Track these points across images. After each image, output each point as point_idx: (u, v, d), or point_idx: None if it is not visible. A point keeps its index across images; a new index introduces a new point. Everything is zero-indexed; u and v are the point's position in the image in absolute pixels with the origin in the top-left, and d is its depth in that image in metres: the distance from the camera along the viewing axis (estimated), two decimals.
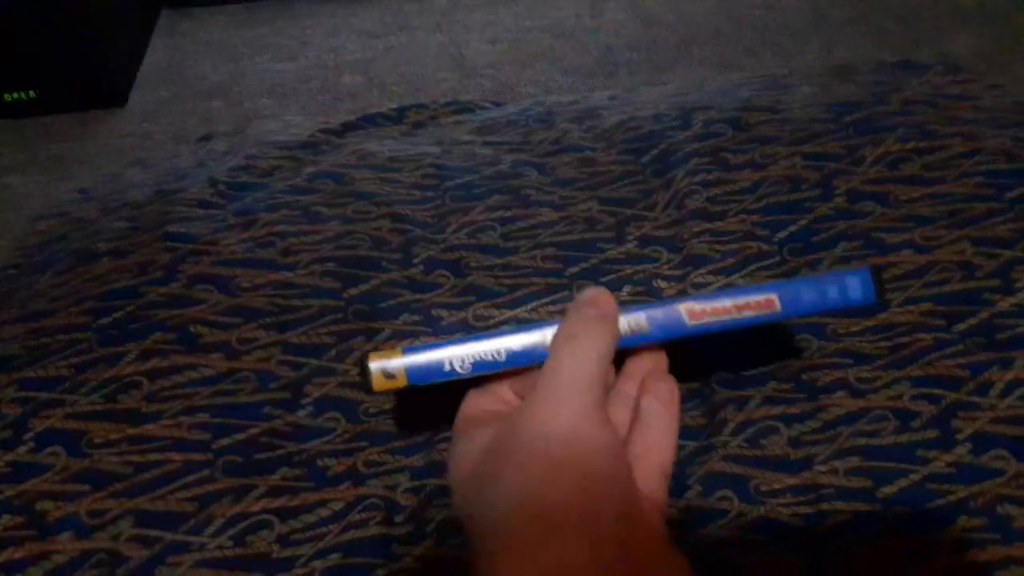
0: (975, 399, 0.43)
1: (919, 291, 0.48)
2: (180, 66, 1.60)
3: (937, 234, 0.51)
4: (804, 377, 0.45)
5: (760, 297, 0.31)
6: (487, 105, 0.73)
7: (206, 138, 0.76)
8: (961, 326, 0.46)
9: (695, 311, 0.31)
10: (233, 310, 0.52)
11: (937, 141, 0.57)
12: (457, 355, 0.31)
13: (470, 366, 0.31)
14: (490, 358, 0.31)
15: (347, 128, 0.70)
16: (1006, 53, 1.29)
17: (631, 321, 0.31)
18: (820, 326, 0.47)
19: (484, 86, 1.47)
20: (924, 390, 0.43)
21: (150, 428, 0.47)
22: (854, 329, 0.47)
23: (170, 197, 0.62)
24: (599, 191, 0.57)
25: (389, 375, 0.31)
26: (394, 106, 0.73)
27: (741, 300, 0.31)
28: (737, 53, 1.47)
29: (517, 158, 0.62)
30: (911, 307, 0.47)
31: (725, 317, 0.31)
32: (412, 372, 0.31)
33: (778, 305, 0.31)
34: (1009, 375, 0.43)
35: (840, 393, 0.43)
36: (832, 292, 0.32)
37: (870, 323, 0.47)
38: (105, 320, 0.52)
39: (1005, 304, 0.46)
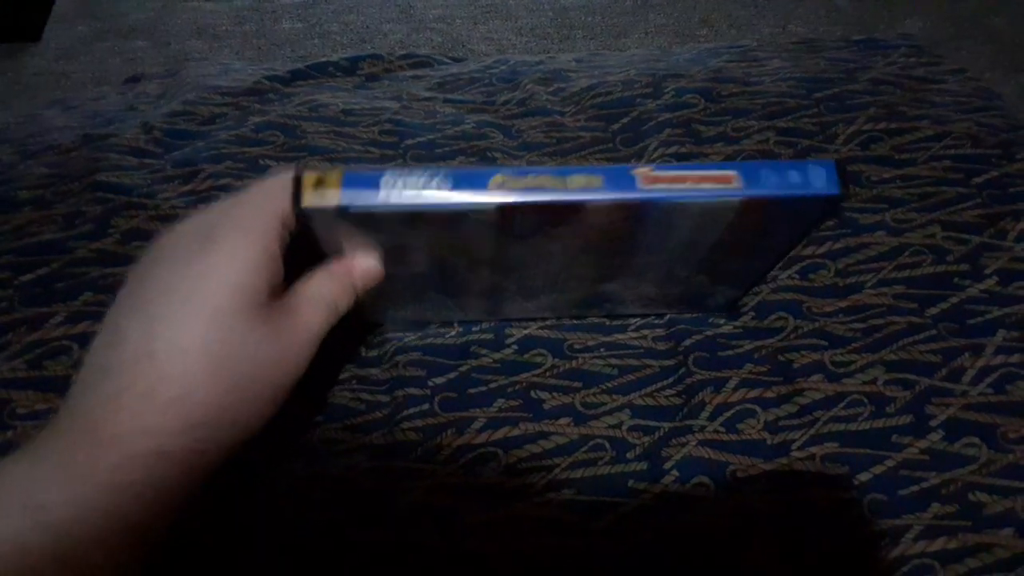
0: (948, 385, 0.42)
1: (891, 273, 0.47)
2: (100, 0, 1.48)
3: (908, 217, 0.50)
4: (780, 358, 0.44)
5: (719, 172, 0.30)
6: (446, 60, 0.69)
7: (134, 79, 0.70)
8: (933, 310, 0.46)
9: (649, 176, 0.29)
10: None
11: (906, 123, 0.57)
12: (399, 175, 0.28)
13: (410, 189, 0.28)
14: (434, 183, 0.28)
15: (295, 76, 0.65)
16: (955, 36, 1.32)
17: (587, 177, 0.29)
18: (796, 304, 0.46)
19: (434, 40, 1.42)
20: (898, 375, 0.43)
21: None
22: (828, 309, 0.46)
23: (99, 143, 0.57)
24: (568, 158, 0.55)
25: (321, 182, 0.28)
26: (346, 55, 0.69)
27: (699, 173, 0.30)
28: (693, 23, 1.46)
29: (481, 118, 0.59)
30: (884, 289, 0.47)
31: (680, 187, 0.30)
32: (348, 180, 0.28)
33: (737, 183, 0.30)
34: (980, 362, 0.43)
35: (816, 377, 0.43)
36: (794, 177, 0.30)
37: (843, 304, 0.46)
38: (28, 277, 0.47)
39: (975, 290, 0.46)
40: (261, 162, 0.55)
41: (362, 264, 0.33)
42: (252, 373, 0.28)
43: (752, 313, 0.46)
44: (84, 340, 0.44)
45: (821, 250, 0.49)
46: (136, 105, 0.64)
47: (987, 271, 0.47)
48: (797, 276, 0.48)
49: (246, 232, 0.29)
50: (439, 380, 0.43)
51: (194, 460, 0.28)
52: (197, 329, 0.27)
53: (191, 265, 0.28)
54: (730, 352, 0.44)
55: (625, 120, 0.58)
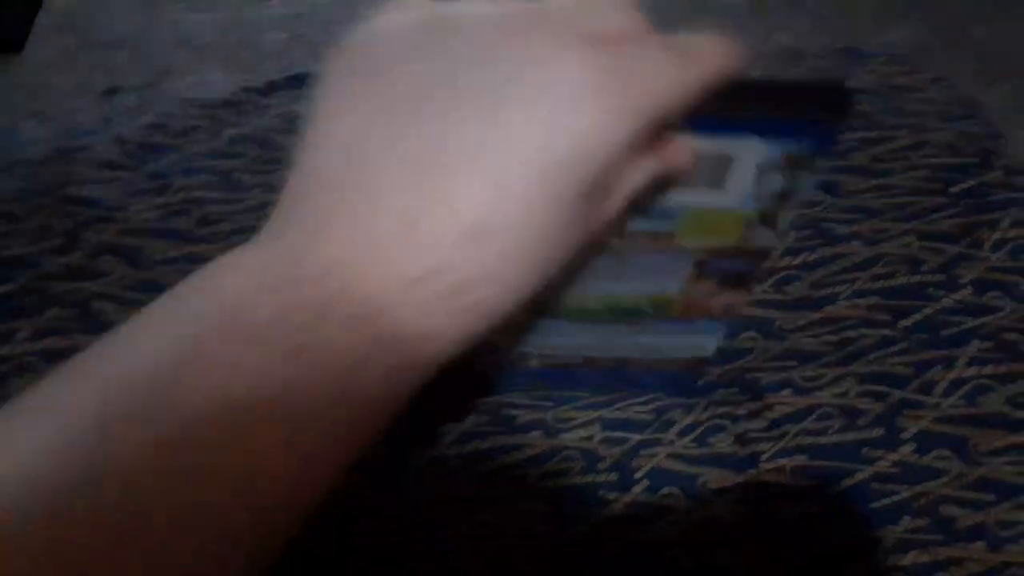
0: (920, 397, 0.42)
1: (866, 284, 0.47)
2: (85, 13, 1.48)
3: (884, 227, 0.50)
4: (747, 377, 0.43)
5: None
6: None
7: (112, 91, 0.69)
8: (906, 322, 0.45)
9: None
10: (142, 285, 0.48)
11: (885, 132, 0.57)
12: None
13: None
14: None
15: (273, 88, 0.65)
16: (939, 45, 1.32)
17: None
18: (768, 321, 0.46)
19: None
20: (869, 387, 0.43)
21: None
22: (801, 323, 0.46)
23: (71, 156, 0.56)
24: None
25: None
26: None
27: None
28: (677, 26, 1.46)
29: None
30: (858, 300, 0.46)
31: None
32: None
33: None
34: (952, 374, 0.43)
35: (785, 391, 0.42)
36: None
37: (817, 316, 0.46)
38: None
39: (949, 301, 0.46)
40: (234, 176, 0.55)
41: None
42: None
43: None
44: (49, 357, 0.44)
45: (796, 261, 0.48)
46: (112, 117, 0.64)
47: (962, 281, 0.47)
48: (772, 288, 0.47)
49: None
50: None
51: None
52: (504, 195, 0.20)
53: (495, 115, 0.20)
54: (699, 381, 0.43)
55: None
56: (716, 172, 0.27)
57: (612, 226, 0.24)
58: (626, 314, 0.35)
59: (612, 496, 0.39)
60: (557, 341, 0.38)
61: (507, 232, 0.20)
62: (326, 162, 0.22)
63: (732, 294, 0.34)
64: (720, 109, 0.24)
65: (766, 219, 0.30)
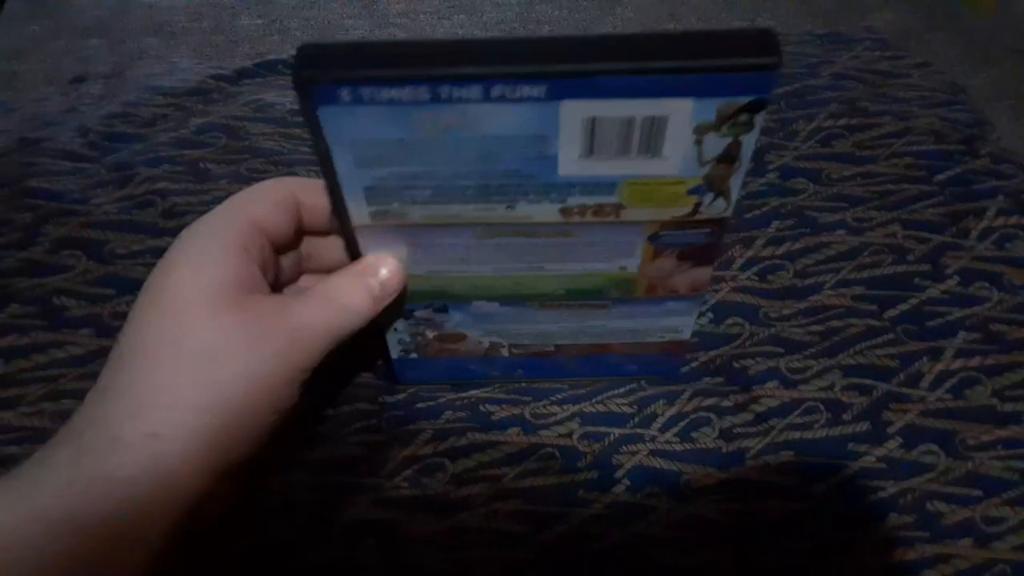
0: (906, 390, 0.41)
1: (851, 274, 0.46)
2: None
3: (869, 215, 0.49)
4: (735, 364, 0.42)
5: None
6: None
7: (79, 80, 0.67)
8: (892, 312, 0.44)
9: None
10: (106, 280, 0.46)
11: (868, 119, 0.56)
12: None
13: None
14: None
15: (242, 75, 0.63)
16: (926, 28, 1.31)
17: None
18: (753, 308, 0.45)
19: (397, 36, 1.40)
20: (855, 380, 0.42)
21: (5, 416, 0.40)
22: (786, 312, 0.45)
23: (33, 147, 0.54)
24: None
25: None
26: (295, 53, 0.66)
27: None
28: (661, 17, 1.44)
29: None
30: (843, 290, 0.45)
31: None
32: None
33: None
34: (939, 366, 0.42)
35: (772, 383, 0.41)
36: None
37: (802, 306, 0.45)
38: None
39: (935, 291, 0.45)
40: (201, 165, 0.53)
41: (384, 263, 0.31)
42: (219, 360, 0.26)
43: (709, 315, 0.44)
44: (9, 355, 0.42)
45: (780, 250, 0.47)
46: (78, 107, 0.61)
47: (948, 271, 0.46)
48: (756, 277, 0.46)
49: (209, 233, 0.29)
50: (389, 398, 0.41)
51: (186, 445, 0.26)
52: (160, 323, 0.27)
53: (165, 274, 0.28)
54: (685, 368, 0.42)
55: None
56: (650, 138, 0.26)
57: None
58: (588, 295, 0.34)
59: (592, 496, 0.38)
60: (525, 329, 0.37)
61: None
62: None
63: (695, 270, 0.33)
64: (643, 69, 0.23)
65: (714, 185, 0.28)
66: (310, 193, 0.30)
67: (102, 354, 0.42)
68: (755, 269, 0.46)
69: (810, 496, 0.38)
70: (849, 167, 0.52)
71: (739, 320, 0.44)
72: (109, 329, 0.44)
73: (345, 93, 0.24)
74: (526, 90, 0.24)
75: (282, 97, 0.60)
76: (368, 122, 0.25)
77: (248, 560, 0.36)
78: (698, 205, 0.29)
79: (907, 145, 0.54)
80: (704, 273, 0.33)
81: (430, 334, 0.37)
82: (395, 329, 0.36)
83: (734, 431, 0.40)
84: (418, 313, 0.35)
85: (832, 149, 0.53)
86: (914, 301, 0.45)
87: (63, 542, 0.23)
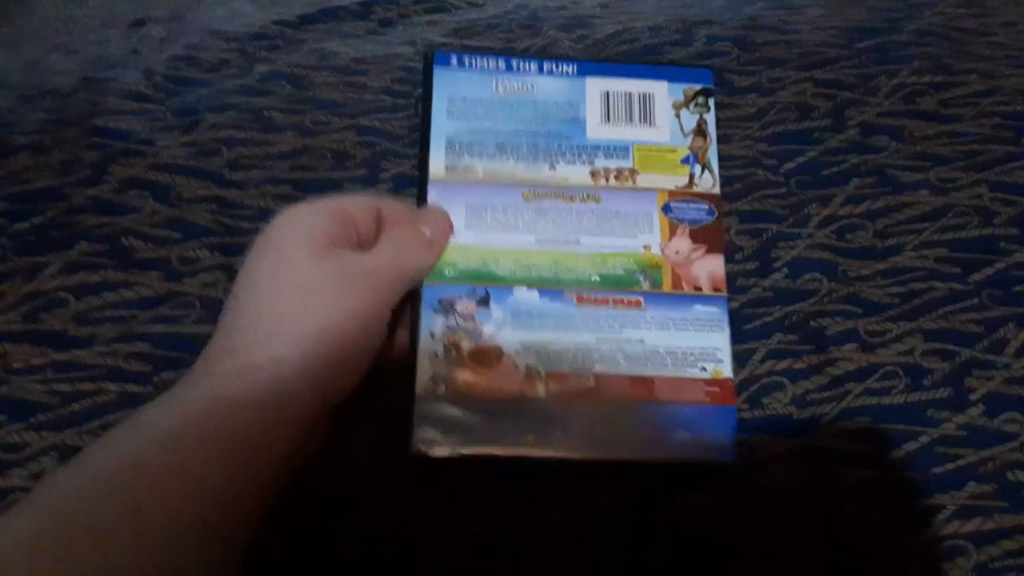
0: (990, 357, 0.40)
1: (934, 235, 0.44)
2: None
3: (953, 176, 0.47)
4: (812, 324, 0.41)
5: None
6: (463, 4, 0.66)
7: (139, 23, 0.67)
8: (977, 276, 0.43)
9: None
10: (172, 223, 0.46)
11: (953, 77, 0.53)
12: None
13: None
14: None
15: (304, 21, 0.62)
16: None
17: None
18: (831, 265, 0.43)
19: None
20: (937, 345, 0.40)
21: (80, 354, 0.41)
22: (865, 272, 0.43)
23: (99, 87, 0.54)
24: None
25: None
26: None
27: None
28: None
29: None
30: (926, 252, 0.44)
31: None
32: None
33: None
34: None
35: (849, 346, 0.40)
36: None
37: (881, 267, 0.43)
38: (23, 225, 0.45)
39: (1023, 256, 0.43)
40: (266, 113, 0.53)
41: (438, 214, 0.36)
42: (323, 295, 0.30)
43: (785, 270, 0.43)
44: (80, 292, 0.43)
45: (859, 209, 0.46)
46: (139, 49, 0.61)
47: None
48: (833, 236, 0.45)
49: (310, 207, 0.32)
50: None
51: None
52: (273, 267, 0.31)
53: (273, 228, 0.32)
54: (758, 323, 0.41)
55: None
56: (644, 109, 0.38)
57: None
58: (620, 283, 0.36)
59: None
60: (564, 340, 0.35)
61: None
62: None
63: (709, 258, 0.37)
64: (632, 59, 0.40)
65: (699, 158, 0.38)
66: (391, 209, 0.35)
67: (171, 298, 0.43)
68: (833, 227, 0.45)
69: (885, 464, 0.37)
70: (934, 125, 0.50)
71: (817, 276, 0.43)
72: (177, 273, 0.44)
73: (453, 59, 0.38)
74: (565, 68, 0.39)
75: (345, 46, 0.59)
76: (462, 82, 0.38)
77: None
78: (692, 177, 0.38)
79: (994, 105, 0.51)
80: (718, 264, 0.36)
81: (465, 346, 0.34)
82: (431, 335, 0.34)
83: (808, 397, 0.39)
84: (459, 307, 0.35)
85: (916, 106, 0.51)
86: (1000, 265, 0.43)
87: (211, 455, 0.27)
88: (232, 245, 0.45)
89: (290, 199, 0.47)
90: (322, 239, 0.31)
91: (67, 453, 0.38)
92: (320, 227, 0.31)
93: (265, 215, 0.46)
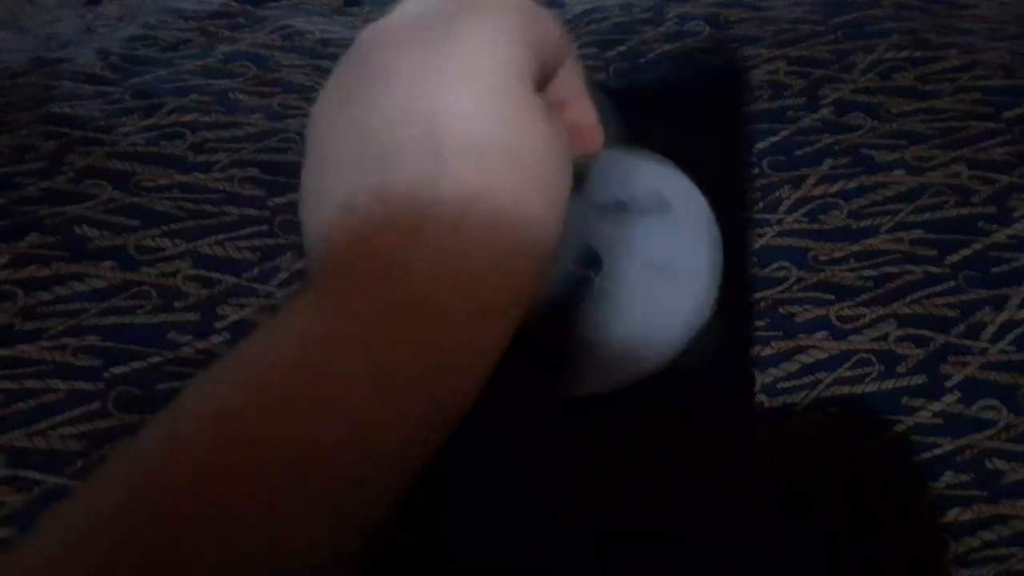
0: (966, 342, 0.39)
1: (910, 216, 0.43)
2: None
3: (930, 154, 0.46)
4: (781, 311, 0.40)
5: None
6: None
7: (94, 2, 0.65)
8: (954, 258, 0.42)
9: None
10: (130, 210, 0.45)
11: (931, 51, 0.52)
12: None
13: None
14: None
15: None
16: None
17: None
18: (801, 252, 0.42)
19: None
20: (911, 330, 0.39)
21: (26, 349, 0.39)
22: (838, 255, 0.42)
23: (51, 68, 0.52)
24: None
25: None
26: None
27: None
28: None
29: None
30: (901, 234, 0.43)
31: None
32: None
33: None
34: (1002, 316, 0.39)
35: (820, 334, 0.39)
36: None
37: (855, 248, 0.42)
38: None
39: (1001, 236, 0.42)
40: (231, 95, 0.51)
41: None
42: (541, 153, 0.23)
43: (753, 259, 0.42)
44: (29, 286, 0.41)
45: (833, 189, 0.45)
46: (95, 27, 0.59)
47: (1016, 214, 0.43)
48: (805, 219, 0.44)
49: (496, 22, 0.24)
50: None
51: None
52: (483, 99, 0.22)
53: (448, 44, 0.23)
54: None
55: (622, 48, 0.53)
56: None
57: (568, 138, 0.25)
58: None
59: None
60: None
61: (509, 137, 0.22)
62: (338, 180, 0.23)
63: None
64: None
65: None
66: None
67: (125, 288, 0.41)
68: (805, 210, 0.44)
69: (860, 454, 0.36)
70: (911, 102, 0.48)
71: (785, 264, 0.42)
72: (134, 263, 0.42)
73: None
74: None
75: (311, 24, 0.57)
76: None
77: None
78: None
79: (974, 80, 0.50)
80: None
81: None
82: None
83: (778, 386, 0.38)
84: None
85: (892, 82, 0.49)
86: (978, 246, 0.42)
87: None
88: (194, 229, 0.44)
89: (257, 182, 0.46)
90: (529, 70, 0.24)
91: (14, 455, 0.37)
92: (527, 64, 0.24)
93: (233, 198, 0.45)
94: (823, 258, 0.42)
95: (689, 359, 0.36)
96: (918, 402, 0.37)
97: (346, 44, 0.55)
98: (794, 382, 0.38)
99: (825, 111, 0.48)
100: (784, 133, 0.47)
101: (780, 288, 0.41)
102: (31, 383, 0.38)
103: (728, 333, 0.37)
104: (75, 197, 0.45)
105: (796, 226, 0.43)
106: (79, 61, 0.53)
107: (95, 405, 0.38)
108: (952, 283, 0.41)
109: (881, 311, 0.40)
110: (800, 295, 0.40)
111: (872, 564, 0.35)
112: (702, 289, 0.38)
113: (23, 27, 0.59)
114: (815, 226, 0.43)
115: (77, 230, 0.43)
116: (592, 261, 0.39)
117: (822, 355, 0.38)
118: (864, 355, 0.38)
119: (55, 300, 0.41)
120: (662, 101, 0.47)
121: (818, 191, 0.44)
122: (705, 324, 0.37)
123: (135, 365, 0.39)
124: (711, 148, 0.45)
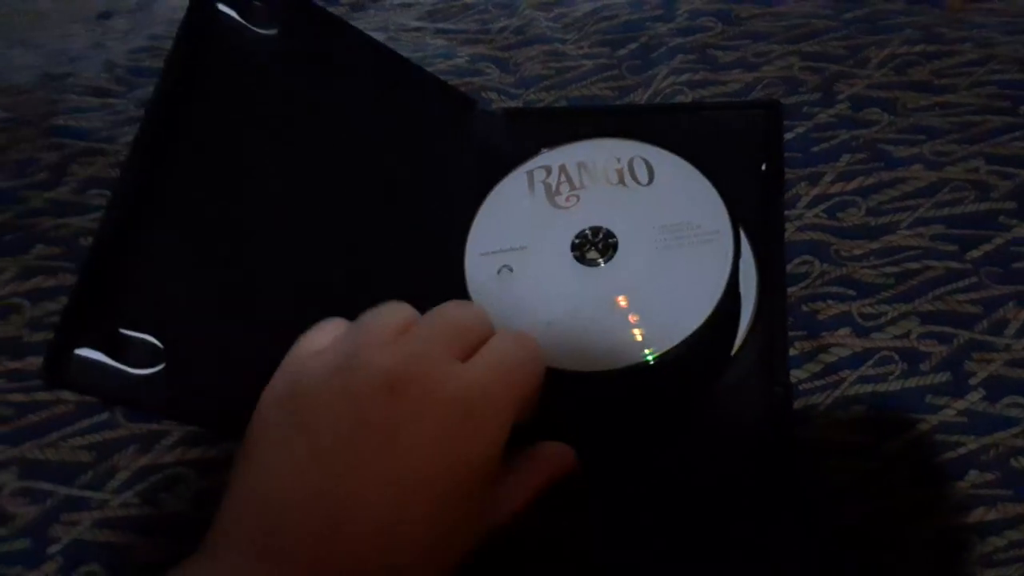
0: (990, 339, 0.38)
1: (929, 212, 0.42)
2: None
3: (948, 149, 0.45)
4: (804, 308, 0.39)
5: None
6: None
7: (105, 16, 0.65)
8: (975, 253, 0.41)
9: None
10: None
11: (945, 45, 0.51)
12: None
13: None
14: None
15: None
16: None
17: None
18: (823, 246, 0.41)
19: None
20: (934, 328, 0.38)
21: (36, 361, 0.39)
22: (858, 252, 0.41)
23: (59, 83, 0.52)
24: (569, 89, 0.50)
25: None
26: None
27: None
28: None
29: (475, 51, 0.54)
30: (921, 229, 0.42)
31: None
32: None
33: None
34: None
35: (843, 331, 0.38)
36: None
37: (875, 246, 0.41)
38: None
39: (1022, 230, 0.41)
40: None
41: None
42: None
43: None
44: (36, 297, 0.41)
45: (851, 186, 0.44)
46: (103, 42, 0.59)
47: None
48: (824, 215, 0.43)
49: (501, 412, 0.28)
50: None
51: None
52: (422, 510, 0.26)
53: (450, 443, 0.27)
54: None
55: (633, 46, 0.52)
56: None
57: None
58: None
59: None
60: None
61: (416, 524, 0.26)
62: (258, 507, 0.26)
63: None
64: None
65: None
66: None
67: None
68: (823, 206, 0.43)
69: (883, 454, 0.35)
70: (927, 96, 0.48)
71: (808, 258, 0.41)
72: None
73: None
74: None
75: None
76: None
77: None
78: None
79: (990, 74, 0.49)
80: None
81: None
82: None
83: (801, 386, 0.37)
84: None
85: (907, 77, 0.49)
86: (999, 241, 0.41)
87: None
88: None
89: None
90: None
91: (27, 467, 0.36)
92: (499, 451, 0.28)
93: None
94: (844, 254, 0.41)
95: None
96: (942, 400, 0.36)
97: None
98: (817, 383, 0.37)
99: (841, 106, 0.47)
100: (800, 130, 0.46)
101: (803, 284, 0.40)
102: (41, 396, 0.38)
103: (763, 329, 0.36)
104: (78, 208, 0.44)
105: (816, 221, 0.42)
106: (85, 75, 0.53)
107: (104, 416, 0.37)
108: (974, 279, 0.40)
109: (903, 308, 0.39)
110: (823, 290, 0.40)
111: (898, 565, 0.34)
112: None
113: (35, 43, 0.60)
114: (834, 223, 0.42)
115: (83, 241, 0.43)
116: None
117: (845, 352, 0.37)
118: (887, 353, 0.37)
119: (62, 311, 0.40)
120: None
121: (836, 189, 0.44)
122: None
123: None
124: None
